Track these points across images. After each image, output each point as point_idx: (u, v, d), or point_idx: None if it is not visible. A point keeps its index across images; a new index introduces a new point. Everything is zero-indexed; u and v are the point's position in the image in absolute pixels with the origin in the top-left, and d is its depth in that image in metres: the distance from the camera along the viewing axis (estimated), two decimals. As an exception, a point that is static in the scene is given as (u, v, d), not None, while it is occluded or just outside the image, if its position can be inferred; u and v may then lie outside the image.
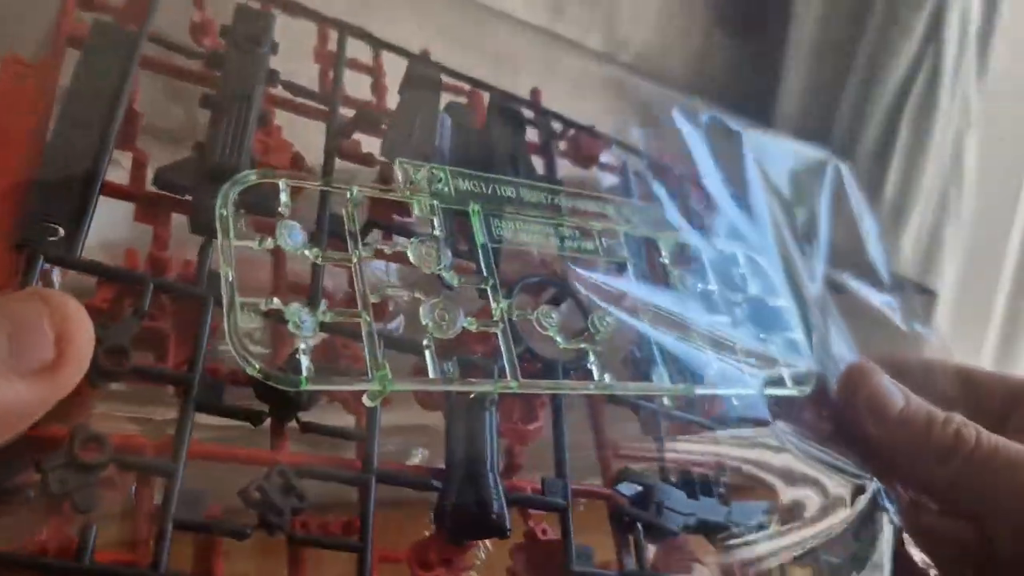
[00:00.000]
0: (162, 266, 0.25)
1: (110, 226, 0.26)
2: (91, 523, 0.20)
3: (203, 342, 0.23)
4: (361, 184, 0.27)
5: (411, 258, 0.27)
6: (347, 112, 0.32)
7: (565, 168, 0.37)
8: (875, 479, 0.32)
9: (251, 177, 0.25)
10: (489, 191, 0.30)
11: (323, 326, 0.24)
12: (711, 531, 0.29)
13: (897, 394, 0.33)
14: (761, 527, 0.30)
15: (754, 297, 0.35)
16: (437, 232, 0.28)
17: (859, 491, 0.32)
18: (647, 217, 0.34)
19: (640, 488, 0.28)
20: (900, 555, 0.32)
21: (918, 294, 0.40)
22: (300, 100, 0.30)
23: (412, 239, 0.27)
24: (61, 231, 0.23)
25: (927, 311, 0.42)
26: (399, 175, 0.28)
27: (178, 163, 0.26)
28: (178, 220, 0.26)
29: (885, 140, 0.44)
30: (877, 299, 0.43)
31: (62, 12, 0.27)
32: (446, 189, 0.29)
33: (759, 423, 0.33)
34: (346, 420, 0.27)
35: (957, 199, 0.49)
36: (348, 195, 0.27)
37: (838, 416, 0.34)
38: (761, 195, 0.41)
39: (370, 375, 0.24)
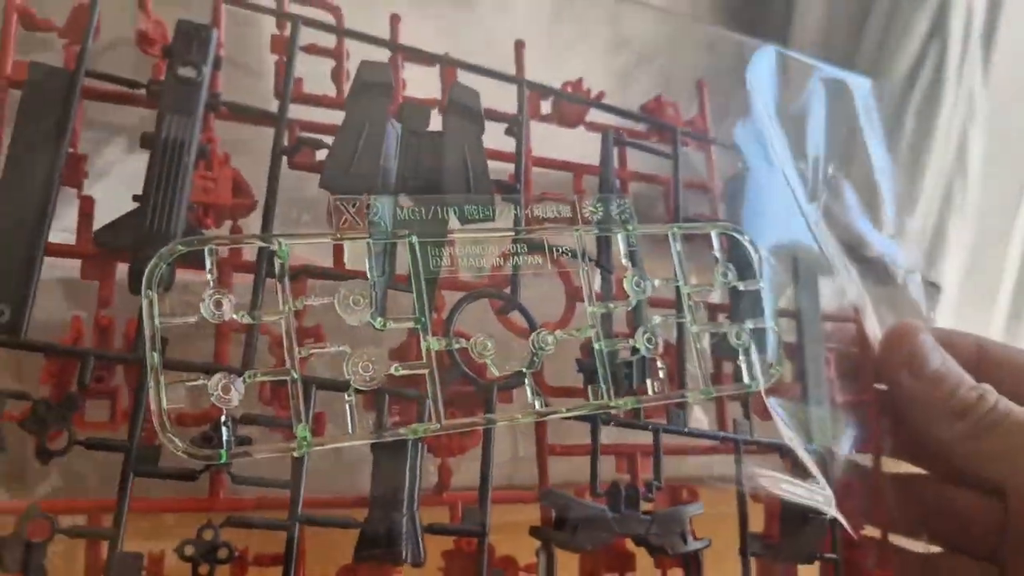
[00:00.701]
0: (108, 327, 0.28)
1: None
2: (44, 589, 0.24)
3: (140, 411, 0.26)
4: (290, 234, 0.28)
5: (337, 310, 0.28)
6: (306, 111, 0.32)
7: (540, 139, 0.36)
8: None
9: (178, 248, 0.26)
10: (430, 215, 0.30)
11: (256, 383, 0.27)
12: (635, 541, 0.32)
13: (936, 353, 0.36)
14: (683, 535, 0.32)
15: (725, 286, 0.35)
16: (369, 275, 0.29)
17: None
18: (616, 208, 0.34)
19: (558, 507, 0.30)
20: None
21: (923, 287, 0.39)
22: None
23: (339, 290, 0.28)
24: (6, 312, 0.26)
25: (931, 305, 0.41)
26: (333, 213, 0.29)
27: (117, 222, 0.28)
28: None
29: (889, 135, 0.42)
30: (880, 250, 0.41)
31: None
32: (382, 222, 0.29)
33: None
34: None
35: (961, 194, 0.47)
36: (276, 247, 0.28)
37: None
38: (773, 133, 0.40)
39: (295, 434, 0.26)
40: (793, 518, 0.34)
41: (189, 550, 0.26)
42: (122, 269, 0.28)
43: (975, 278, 0.51)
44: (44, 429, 0.25)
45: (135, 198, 0.28)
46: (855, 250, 0.41)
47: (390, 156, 0.31)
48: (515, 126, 0.34)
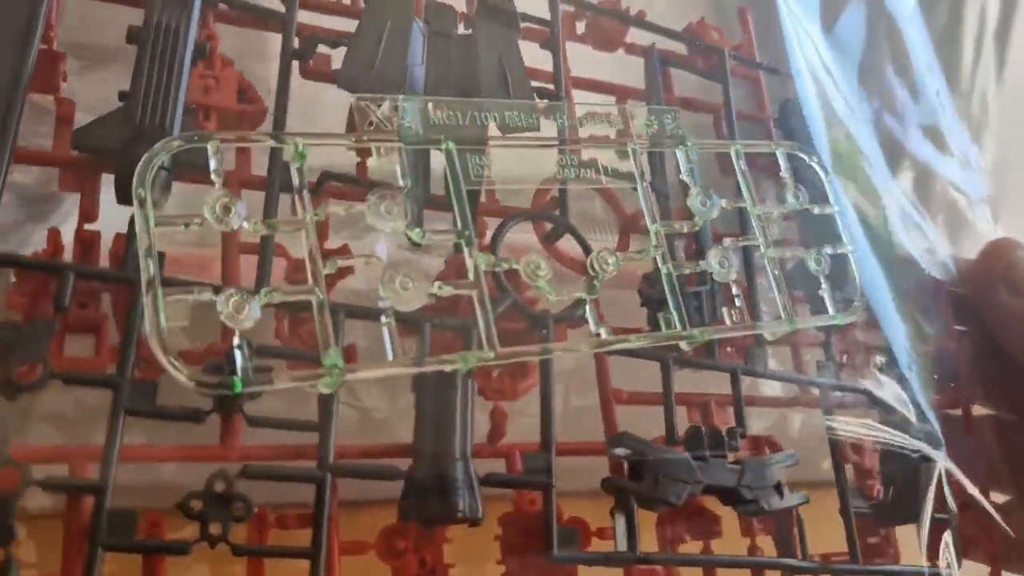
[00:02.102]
0: (92, 244, 0.23)
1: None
2: (11, 556, 0.19)
3: (133, 337, 0.21)
4: (307, 133, 0.24)
5: (368, 219, 0.24)
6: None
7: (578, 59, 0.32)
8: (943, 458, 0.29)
9: (174, 144, 0.22)
10: (467, 120, 0.26)
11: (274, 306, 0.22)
12: (722, 496, 0.27)
13: None
14: (779, 487, 0.27)
15: (797, 209, 0.30)
16: (401, 182, 0.24)
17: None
18: (671, 122, 0.29)
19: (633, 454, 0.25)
20: None
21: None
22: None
23: (370, 196, 0.24)
24: (-32, 221, 0.21)
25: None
26: (356, 115, 0.24)
27: (100, 121, 0.23)
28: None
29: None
30: (946, 171, 0.38)
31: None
32: (413, 126, 0.25)
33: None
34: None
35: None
36: (293, 149, 0.23)
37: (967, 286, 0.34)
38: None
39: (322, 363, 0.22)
40: (897, 471, 0.29)
41: (196, 504, 0.21)
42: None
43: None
44: (11, 358, 0.20)
45: (121, 96, 0.23)
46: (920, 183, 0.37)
47: (416, 57, 0.27)
48: (551, 28, 0.30)
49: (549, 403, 0.25)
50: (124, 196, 0.22)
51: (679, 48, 0.34)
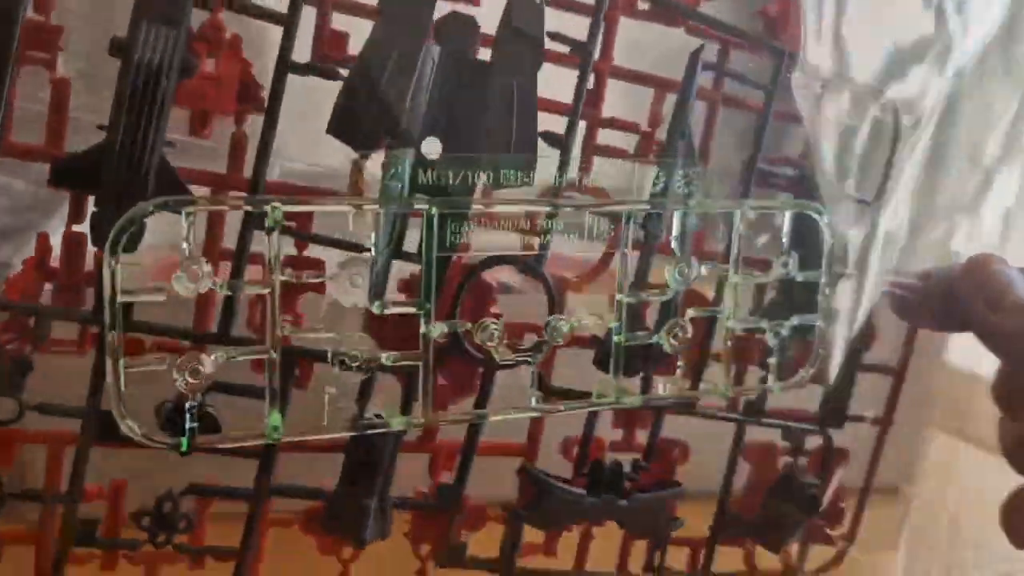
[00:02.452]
0: (79, 245, 0.24)
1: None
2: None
3: (101, 380, 0.24)
4: (286, 198, 0.23)
5: (330, 289, 0.24)
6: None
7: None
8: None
9: (148, 209, 0.22)
10: (459, 179, 0.25)
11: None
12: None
13: (1019, 282, 0.33)
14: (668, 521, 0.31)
15: (777, 279, 0.30)
16: (373, 249, 0.25)
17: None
18: (681, 180, 0.28)
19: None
20: None
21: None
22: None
23: (336, 267, 0.24)
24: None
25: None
26: (351, 170, 0.24)
27: (78, 156, 0.23)
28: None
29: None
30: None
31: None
32: (399, 185, 0.25)
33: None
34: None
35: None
36: (267, 215, 0.23)
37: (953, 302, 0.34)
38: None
39: (265, 421, 0.24)
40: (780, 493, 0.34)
41: (146, 521, 0.25)
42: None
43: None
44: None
45: (100, 127, 0.23)
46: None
47: (423, 88, 0.25)
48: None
49: (470, 455, 0.28)
50: (98, 238, 0.23)
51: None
